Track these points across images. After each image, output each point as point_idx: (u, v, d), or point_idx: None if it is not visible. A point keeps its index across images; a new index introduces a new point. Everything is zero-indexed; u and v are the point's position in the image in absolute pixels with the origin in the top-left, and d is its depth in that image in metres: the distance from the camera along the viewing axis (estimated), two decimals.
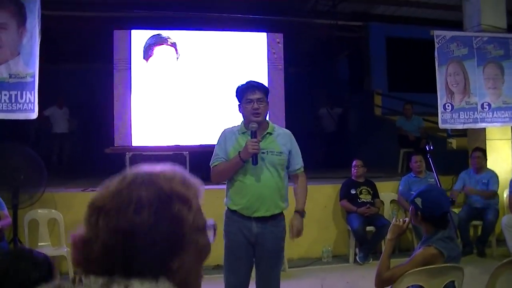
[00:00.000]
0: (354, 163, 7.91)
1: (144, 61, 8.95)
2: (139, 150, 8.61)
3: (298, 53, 12.23)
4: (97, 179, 7.80)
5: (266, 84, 5.28)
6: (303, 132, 7.87)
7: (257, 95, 3.87)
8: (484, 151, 8.26)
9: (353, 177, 7.88)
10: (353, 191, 7.70)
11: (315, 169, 9.12)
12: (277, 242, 3.93)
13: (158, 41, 9.02)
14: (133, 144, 8.79)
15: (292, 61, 10.90)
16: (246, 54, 9.27)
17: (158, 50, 9.01)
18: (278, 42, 9.49)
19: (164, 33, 9.07)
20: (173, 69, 9.00)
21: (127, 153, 8.47)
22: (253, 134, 3.81)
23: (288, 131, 4.13)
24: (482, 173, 8.04)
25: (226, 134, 4.01)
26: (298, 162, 4.06)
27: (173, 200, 1.09)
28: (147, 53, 8.97)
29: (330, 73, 15.31)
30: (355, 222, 7.32)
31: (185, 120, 8.85)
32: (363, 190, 7.75)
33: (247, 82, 3.96)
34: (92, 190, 7.21)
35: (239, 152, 3.81)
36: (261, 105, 3.87)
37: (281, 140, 3.99)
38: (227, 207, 3.99)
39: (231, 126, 4.07)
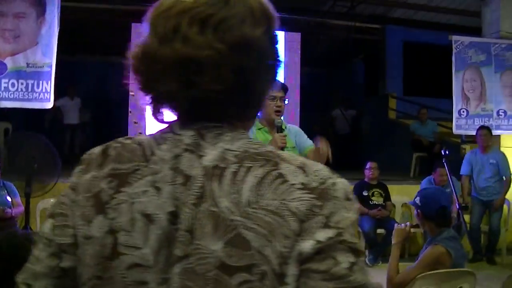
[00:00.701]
0: (368, 165, 7.88)
1: None
2: None
3: (314, 53, 12.19)
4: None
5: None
6: (316, 133, 7.85)
7: (281, 93, 3.91)
8: (490, 130, 8.00)
9: (366, 179, 7.85)
10: (365, 193, 7.68)
11: None
12: None
13: None
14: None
15: (308, 61, 10.86)
16: None
17: None
18: (296, 42, 9.46)
19: None
20: None
21: None
22: (279, 129, 3.83)
23: (297, 127, 4.22)
24: (489, 152, 7.83)
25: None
26: (307, 141, 4.09)
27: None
28: None
29: (346, 75, 15.23)
30: (366, 224, 7.29)
31: None
32: (375, 193, 7.73)
33: None
34: None
35: None
36: (283, 104, 3.91)
37: (292, 136, 4.03)
38: None
39: None
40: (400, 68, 13.54)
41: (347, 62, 14.74)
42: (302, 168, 0.95)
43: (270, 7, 1.04)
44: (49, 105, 6.73)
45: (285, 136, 3.80)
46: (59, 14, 6.73)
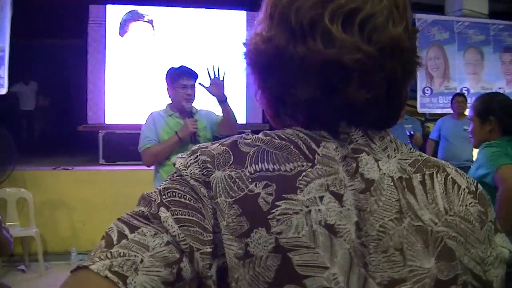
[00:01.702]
0: None
1: (120, 36, 8.70)
2: (113, 128, 8.37)
3: None
4: (69, 158, 7.60)
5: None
6: None
7: (192, 81, 4.02)
8: (465, 97, 7.69)
9: None
10: None
11: None
12: None
13: (134, 17, 8.77)
14: (106, 122, 8.54)
15: None
16: (224, 33, 9.05)
17: (134, 26, 8.76)
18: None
19: (141, 9, 8.82)
20: (149, 46, 8.76)
21: (100, 131, 8.24)
22: (190, 114, 3.96)
23: (208, 110, 4.28)
24: (463, 119, 7.39)
25: (154, 117, 4.06)
26: (215, 115, 4.19)
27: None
28: (123, 29, 8.71)
29: None
30: None
31: (159, 97, 8.60)
32: None
33: (181, 67, 4.10)
34: (64, 169, 7.00)
35: (176, 132, 3.89)
36: (193, 91, 4.03)
37: (204, 118, 4.13)
38: None
39: (153, 111, 4.15)
40: None
41: None
42: (456, 170, 0.91)
43: None
44: (3, 91, 6.47)
45: (195, 121, 3.94)
46: None
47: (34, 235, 6.11)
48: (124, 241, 0.74)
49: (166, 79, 4.14)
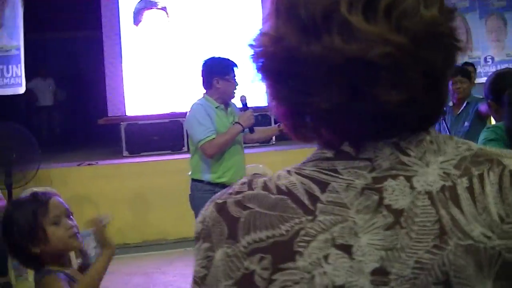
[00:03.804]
0: None
1: (134, 26, 8.62)
2: (134, 119, 8.32)
3: None
4: (92, 152, 7.58)
5: None
6: None
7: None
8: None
9: None
10: None
11: None
12: None
13: (147, 5, 8.68)
14: (127, 114, 8.50)
15: None
16: (239, 16, 8.91)
17: (148, 14, 8.67)
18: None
19: None
20: (165, 33, 8.67)
21: (121, 123, 8.20)
22: (246, 106, 4.11)
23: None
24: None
25: (206, 109, 4.01)
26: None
27: None
28: (137, 18, 8.63)
29: None
30: None
31: (179, 86, 8.55)
32: None
33: (226, 59, 4.13)
34: (89, 164, 6.97)
35: (239, 122, 3.97)
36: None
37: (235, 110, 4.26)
38: (208, 181, 4.02)
39: (196, 102, 4.14)
40: None
41: None
42: None
43: None
44: (22, 89, 6.42)
45: (253, 112, 4.08)
46: None
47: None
48: None
49: (211, 71, 4.09)
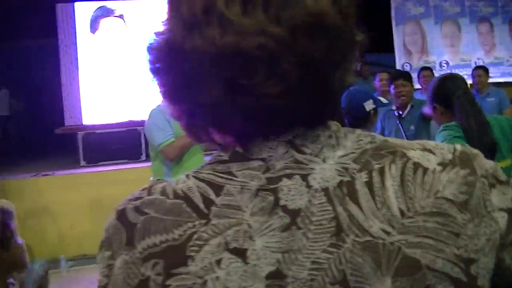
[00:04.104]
0: None
1: (91, 34, 8.52)
2: (91, 128, 8.22)
3: None
4: (49, 162, 7.44)
5: None
6: None
7: None
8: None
9: None
10: None
11: None
12: None
13: (104, 13, 8.60)
14: (84, 123, 8.39)
15: None
16: None
17: (105, 22, 8.59)
18: None
19: (110, 4, 8.64)
20: (122, 41, 8.59)
21: (78, 132, 8.08)
22: None
23: None
24: (485, 92, 7.05)
25: (164, 114, 3.91)
26: None
27: None
28: (94, 26, 8.54)
29: None
30: None
31: (136, 94, 8.48)
32: None
33: None
34: (45, 175, 6.83)
35: None
36: None
37: None
38: None
39: (155, 108, 4.05)
40: None
41: None
42: (424, 148, 0.72)
43: None
44: None
45: None
46: None
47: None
48: None
49: None
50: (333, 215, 0.65)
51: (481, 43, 9.17)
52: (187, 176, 0.71)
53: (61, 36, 8.49)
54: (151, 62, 0.71)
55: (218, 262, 0.64)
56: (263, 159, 0.68)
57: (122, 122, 8.37)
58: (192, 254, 0.64)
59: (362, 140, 0.71)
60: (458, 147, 0.73)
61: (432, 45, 8.91)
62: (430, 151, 0.71)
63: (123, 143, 8.02)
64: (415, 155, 0.70)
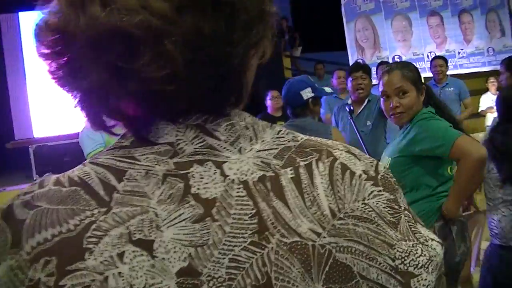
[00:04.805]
0: (269, 94, 6.79)
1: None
2: (43, 141, 8.01)
3: None
4: (1, 178, 7.19)
5: None
6: None
7: None
8: (446, 60, 7.16)
9: (269, 111, 6.83)
10: None
11: None
12: None
13: None
14: (35, 136, 8.20)
15: None
16: None
17: None
18: None
19: None
20: None
21: (30, 146, 7.86)
22: None
23: None
24: (444, 82, 6.94)
25: None
26: None
27: None
28: None
29: None
30: None
31: None
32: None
33: None
34: None
35: None
36: None
37: None
38: None
39: None
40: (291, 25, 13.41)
41: None
42: (349, 151, 0.67)
43: None
44: None
45: None
46: None
47: None
48: None
49: None
50: (254, 211, 0.58)
51: (432, 36, 9.27)
52: (83, 163, 0.64)
53: (6, 47, 8.27)
54: (38, 45, 0.63)
55: (121, 255, 0.55)
56: (170, 143, 0.61)
57: (74, 133, 8.18)
58: (90, 246, 0.56)
59: (283, 137, 0.66)
60: (381, 168, 0.67)
61: (384, 40, 8.97)
62: (355, 156, 0.67)
63: (76, 154, 7.80)
64: (341, 155, 0.65)
